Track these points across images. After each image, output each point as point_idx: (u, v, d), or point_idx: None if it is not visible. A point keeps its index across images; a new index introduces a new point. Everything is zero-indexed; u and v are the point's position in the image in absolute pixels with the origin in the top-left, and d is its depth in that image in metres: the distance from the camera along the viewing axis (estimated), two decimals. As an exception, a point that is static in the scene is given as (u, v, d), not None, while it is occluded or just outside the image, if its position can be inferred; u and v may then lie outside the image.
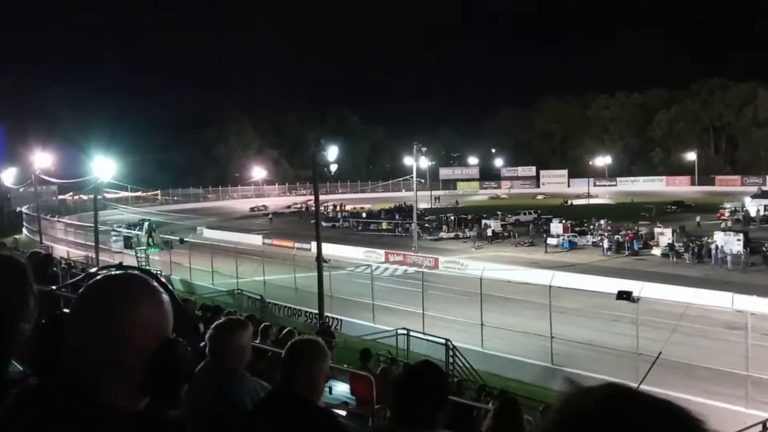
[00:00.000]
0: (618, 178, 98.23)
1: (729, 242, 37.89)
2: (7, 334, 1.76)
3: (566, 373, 19.12)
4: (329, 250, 35.51)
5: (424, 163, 75.25)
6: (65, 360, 1.32)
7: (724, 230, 41.72)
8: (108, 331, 1.31)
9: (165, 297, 1.42)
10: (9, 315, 1.79)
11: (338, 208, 74.04)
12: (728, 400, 16.49)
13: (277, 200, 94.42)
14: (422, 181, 72.66)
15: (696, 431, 0.89)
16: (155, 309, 1.38)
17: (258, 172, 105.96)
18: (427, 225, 56.86)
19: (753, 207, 53.04)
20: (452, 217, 57.52)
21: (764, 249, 36.80)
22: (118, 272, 1.51)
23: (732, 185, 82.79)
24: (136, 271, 1.49)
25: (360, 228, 60.76)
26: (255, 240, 52.34)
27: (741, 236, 38.07)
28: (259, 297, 30.43)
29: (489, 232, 50.06)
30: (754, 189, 67.30)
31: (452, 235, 52.67)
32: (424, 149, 58.26)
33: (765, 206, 52.69)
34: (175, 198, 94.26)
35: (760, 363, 17.38)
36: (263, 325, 11.46)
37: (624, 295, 21.00)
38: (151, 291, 1.40)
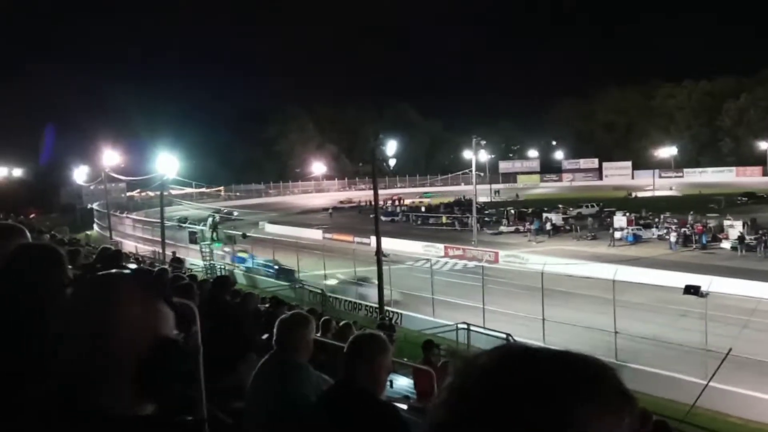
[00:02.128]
0: (685, 170, 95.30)
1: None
2: (40, 321, 1.72)
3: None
4: (388, 244, 35.65)
5: (484, 156, 74.66)
6: (62, 371, 1.28)
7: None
8: (93, 333, 1.26)
9: (156, 295, 1.36)
10: (43, 301, 1.83)
11: (397, 203, 74.18)
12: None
13: (336, 195, 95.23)
14: (481, 174, 72.10)
15: (598, 376, 0.84)
16: (141, 308, 1.31)
17: (318, 167, 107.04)
18: (486, 219, 56.40)
19: None
20: (512, 211, 56.91)
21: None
22: (101, 273, 1.46)
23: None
24: (126, 271, 1.46)
25: (419, 222, 60.71)
26: (315, 234, 52.91)
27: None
28: (320, 291, 30.79)
29: (550, 226, 49.33)
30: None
31: (512, 228, 52.09)
32: (483, 142, 57.78)
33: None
34: (237, 194, 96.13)
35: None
36: (324, 318, 11.62)
37: (692, 290, 20.45)
38: (136, 290, 1.34)
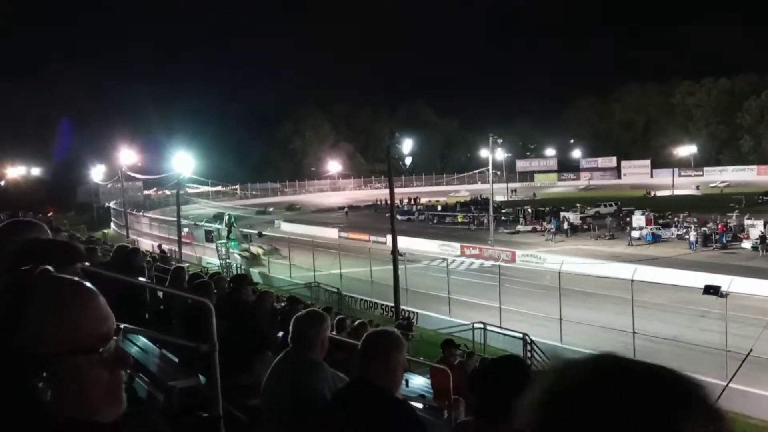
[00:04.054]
0: (705, 168, 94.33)
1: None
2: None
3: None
4: (404, 243, 35.61)
5: (500, 155, 74.38)
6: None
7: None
8: (24, 333, 1.15)
9: (83, 291, 1.23)
10: None
11: (413, 201, 74.14)
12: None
13: (352, 194, 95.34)
14: (498, 173, 71.81)
15: (691, 394, 0.82)
16: (59, 306, 1.18)
17: (333, 165, 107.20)
18: (503, 218, 56.20)
19: None
20: (529, 210, 56.64)
21: None
22: (19, 270, 1.31)
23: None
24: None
25: (435, 221, 60.61)
26: (331, 233, 52.99)
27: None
28: (335, 290, 30.81)
29: (567, 225, 49.04)
30: None
31: (529, 228, 51.85)
32: (499, 141, 57.53)
33: None
34: (253, 192, 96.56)
35: None
36: (338, 317, 11.63)
37: (711, 290, 20.25)
38: (56, 287, 1.22)
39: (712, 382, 17.18)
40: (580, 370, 0.85)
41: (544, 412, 0.83)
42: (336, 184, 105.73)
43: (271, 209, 71.24)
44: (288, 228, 56.84)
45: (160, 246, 38.29)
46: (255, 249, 41.95)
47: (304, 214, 73.69)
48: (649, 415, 0.78)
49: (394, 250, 27.21)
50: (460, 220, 58.74)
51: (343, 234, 52.60)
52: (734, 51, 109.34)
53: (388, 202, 32.52)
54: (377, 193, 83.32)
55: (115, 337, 1.22)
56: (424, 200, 76.26)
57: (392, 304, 26.98)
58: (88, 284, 1.25)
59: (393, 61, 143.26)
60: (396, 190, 31.85)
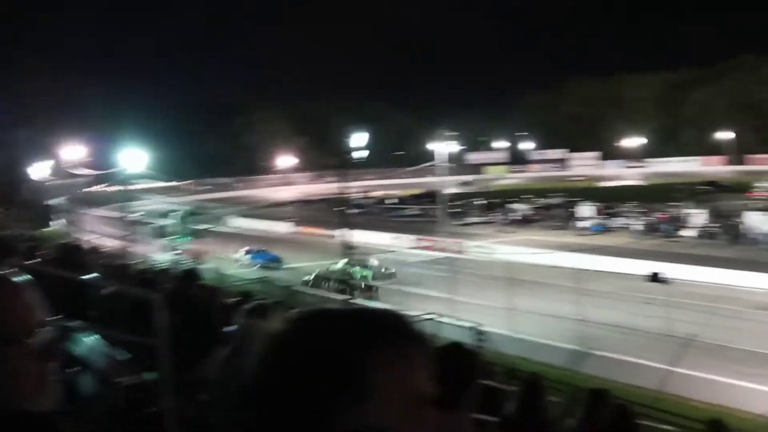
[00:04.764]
0: (650, 159, 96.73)
1: (761, 222, 37.22)
2: None
3: (596, 357, 19.02)
4: (357, 236, 35.64)
5: (451, 148, 74.85)
6: None
7: (756, 210, 40.90)
8: None
9: (8, 284, 1.25)
10: None
11: (366, 195, 74.07)
12: (766, 382, 16.19)
13: (304, 188, 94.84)
14: (450, 166, 72.34)
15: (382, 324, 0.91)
16: None
17: (286, 160, 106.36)
18: (455, 210, 56.63)
19: None
20: (481, 202, 57.20)
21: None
22: None
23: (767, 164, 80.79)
24: None
25: (388, 214, 60.72)
26: (284, 228, 52.64)
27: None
28: (288, 285, 30.64)
29: (518, 216, 49.73)
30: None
31: (481, 219, 52.41)
32: (451, 134, 57.93)
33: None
34: (205, 187, 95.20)
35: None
36: (290, 311, 11.56)
37: (656, 277, 20.79)
38: None
39: (657, 367, 17.78)
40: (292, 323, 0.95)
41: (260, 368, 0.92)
42: (288, 179, 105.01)
43: (221, 205, 70.27)
44: (240, 223, 56.25)
45: (105, 242, 37.44)
46: (199, 246, 41.42)
47: (256, 209, 72.96)
48: (339, 351, 0.86)
49: (346, 244, 27.23)
50: (412, 213, 58.99)
51: (296, 228, 52.32)
52: (677, 44, 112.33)
53: (342, 195, 32.53)
54: (330, 187, 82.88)
55: (47, 329, 1.22)
56: (377, 194, 76.26)
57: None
58: (16, 278, 1.26)
59: (344, 55, 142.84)
60: (349, 184, 31.83)
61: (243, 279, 32.42)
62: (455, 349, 2.73)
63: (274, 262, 36.54)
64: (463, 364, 2.62)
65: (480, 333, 18.63)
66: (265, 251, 38.18)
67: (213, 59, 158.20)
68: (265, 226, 51.68)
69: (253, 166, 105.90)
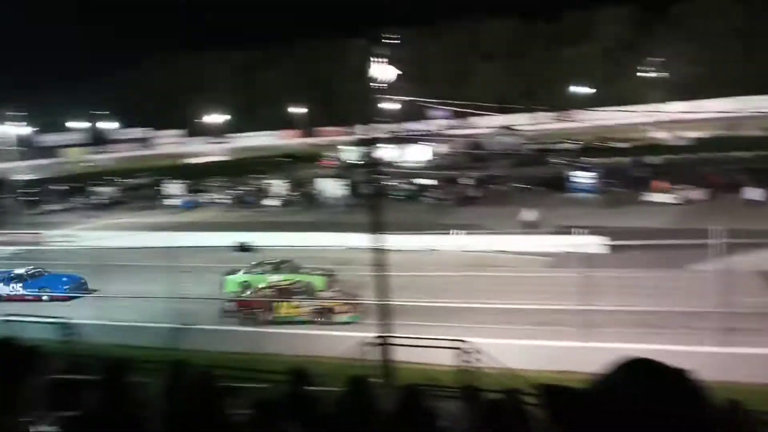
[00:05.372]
0: (233, 135, 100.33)
1: (333, 187, 41.94)
2: None
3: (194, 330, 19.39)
4: None
5: (21, 130, 67.46)
6: None
7: (326, 177, 45.91)
8: None
9: None
10: None
11: None
12: (345, 329, 18.27)
13: None
14: (23, 149, 65.17)
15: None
16: None
17: None
18: (31, 199, 51.24)
19: (350, 154, 57.96)
20: (61, 187, 52.79)
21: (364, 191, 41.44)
22: None
23: (334, 136, 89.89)
24: None
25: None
26: None
27: (343, 181, 42.41)
28: None
29: (104, 200, 47.32)
30: (353, 138, 74.29)
31: (63, 206, 48.39)
32: (19, 115, 52.01)
33: (362, 153, 58.74)
34: None
35: (367, 292, 19.39)
36: None
37: (243, 247, 21.88)
38: None
39: (252, 331, 18.87)
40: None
41: None
42: None
43: None
44: None
45: None
46: None
47: None
48: None
49: None
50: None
51: None
52: (255, 24, 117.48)
53: None
54: None
55: None
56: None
57: None
58: None
59: None
60: None
61: None
62: (4, 346, 2.52)
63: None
64: (13, 362, 2.43)
65: (68, 327, 17.31)
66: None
67: None
68: None
69: None
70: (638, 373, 1.16)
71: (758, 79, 73.78)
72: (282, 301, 20.57)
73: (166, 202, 45.00)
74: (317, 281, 21.97)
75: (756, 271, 19.67)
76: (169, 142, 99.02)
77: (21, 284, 25.56)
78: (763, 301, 17.26)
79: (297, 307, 20.46)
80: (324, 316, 20.07)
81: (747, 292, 16.95)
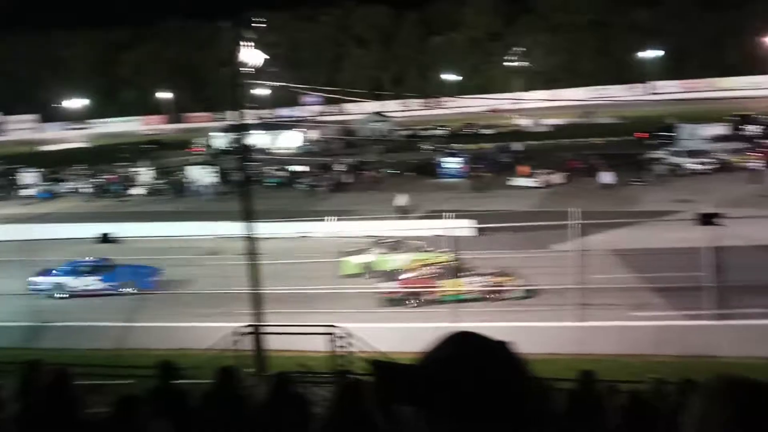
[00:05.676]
0: (93, 121, 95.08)
1: (202, 175, 40.84)
2: None
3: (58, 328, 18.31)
4: None
5: None
6: None
7: (195, 164, 44.61)
8: None
9: None
10: None
11: None
12: (216, 319, 17.65)
13: None
14: None
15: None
16: None
17: None
18: None
19: (219, 141, 56.31)
20: None
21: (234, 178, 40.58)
22: None
23: (203, 122, 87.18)
24: None
25: None
26: None
27: (213, 169, 41.39)
28: None
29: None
30: (222, 124, 72.25)
31: None
32: None
33: (232, 140, 57.32)
34: None
35: (238, 281, 19.02)
36: None
37: (106, 238, 20.79)
38: None
39: (117, 326, 18.11)
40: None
41: None
42: None
43: None
44: None
45: None
46: None
47: None
48: None
49: None
50: None
51: None
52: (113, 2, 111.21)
53: None
54: None
55: None
56: None
57: None
58: None
59: None
60: None
61: None
62: None
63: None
64: None
65: None
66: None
67: None
68: None
69: None
70: (460, 345, 1.24)
71: (611, 69, 79.21)
72: (449, 280, 19.49)
73: (21, 192, 42.12)
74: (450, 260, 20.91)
75: (609, 249, 21.07)
76: (22, 128, 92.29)
77: (99, 277, 22.75)
78: (614, 277, 18.58)
79: (461, 285, 19.60)
80: (494, 293, 19.46)
81: (601, 269, 18.16)
